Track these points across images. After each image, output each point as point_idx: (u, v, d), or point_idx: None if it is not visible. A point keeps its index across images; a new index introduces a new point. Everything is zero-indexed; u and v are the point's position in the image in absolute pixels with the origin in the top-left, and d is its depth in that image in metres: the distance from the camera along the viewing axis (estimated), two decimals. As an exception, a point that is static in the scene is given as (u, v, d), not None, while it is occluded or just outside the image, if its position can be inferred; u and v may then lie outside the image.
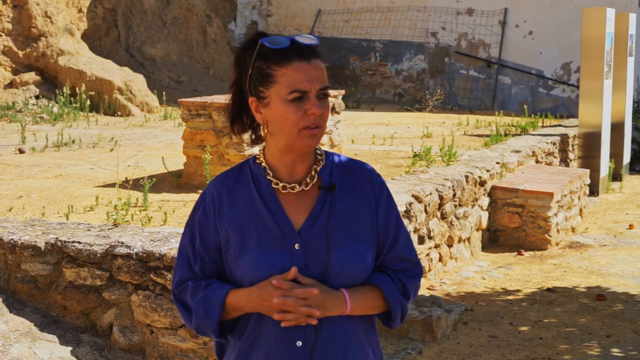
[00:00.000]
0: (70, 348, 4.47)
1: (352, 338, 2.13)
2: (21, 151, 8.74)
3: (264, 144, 2.17)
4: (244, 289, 2.10)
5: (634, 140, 13.38)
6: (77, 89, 12.70)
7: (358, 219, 2.13)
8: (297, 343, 2.08)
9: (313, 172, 2.13)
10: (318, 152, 2.17)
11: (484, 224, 7.76)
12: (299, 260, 2.07)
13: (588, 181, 9.55)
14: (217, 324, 2.11)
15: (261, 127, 2.15)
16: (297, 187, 2.12)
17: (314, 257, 2.08)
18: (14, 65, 13.21)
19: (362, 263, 2.11)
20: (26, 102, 12.59)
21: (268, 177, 2.12)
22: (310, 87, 2.03)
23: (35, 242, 4.77)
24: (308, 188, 2.12)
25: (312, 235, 2.09)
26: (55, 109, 12.34)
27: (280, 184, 2.11)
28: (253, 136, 2.19)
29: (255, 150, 6.62)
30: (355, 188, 2.16)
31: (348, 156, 2.24)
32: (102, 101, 12.82)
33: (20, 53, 13.24)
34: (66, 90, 12.35)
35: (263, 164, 2.14)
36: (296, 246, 2.08)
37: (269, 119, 2.07)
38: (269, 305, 2.04)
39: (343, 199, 2.14)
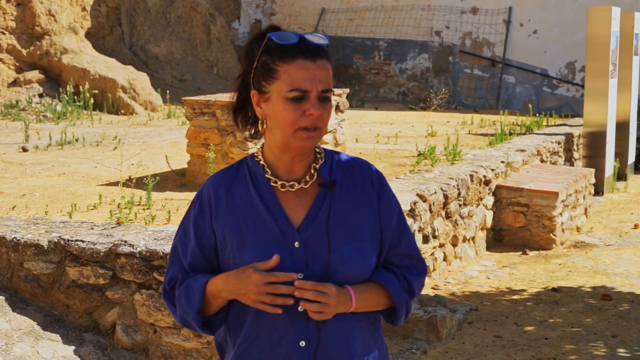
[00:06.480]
0: (73, 347, 4.45)
1: (356, 335, 2.10)
2: (24, 149, 8.72)
3: (263, 141, 2.14)
4: (222, 273, 2.06)
5: (639, 140, 13.33)
6: (80, 87, 12.68)
7: (359, 216, 2.10)
8: (300, 343, 2.04)
9: (312, 170, 2.10)
10: (317, 150, 2.14)
11: (489, 223, 7.73)
12: (299, 258, 2.04)
13: (593, 180, 9.51)
14: (197, 312, 2.08)
15: (260, 122, 2.13)
16: (297, 185, 2.09)
17: (314, 255, 2.04)
18: (17, 64, 13.20)
19: (364, 261, 2.08)
20: (30, 100, 12.58)
21: (267, 175, 2.09)
22: (312, 87, 2.00)
23: (38, 240, 4.75)
24: (307, 186, 2.09)
25: (312, 232, 2.05)
26: (58, 108, 12.32)
27: (279, 182, 2.08)
28: (252, 130, 2.16)
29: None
30: (355, 186, 2.13)
31: (349, 154, 2.21)
32: (106, 100, 12.80)
33: (24, 51, 13.23)
34: (70, 88, 12.33)
35: (261, 162, 2.11)
36: (296, 244, 2.05)
37: (268, 114, 2.05)
38: (245, 287, 1.99)
39: (343, 196, 2.10)
